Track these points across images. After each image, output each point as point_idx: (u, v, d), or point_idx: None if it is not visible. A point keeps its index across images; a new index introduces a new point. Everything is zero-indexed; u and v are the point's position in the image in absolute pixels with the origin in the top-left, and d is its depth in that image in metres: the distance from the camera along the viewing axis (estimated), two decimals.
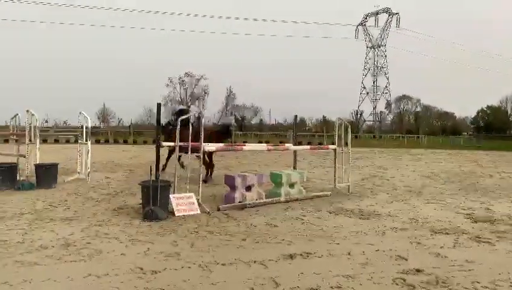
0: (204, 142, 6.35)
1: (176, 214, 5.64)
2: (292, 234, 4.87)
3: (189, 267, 3.66)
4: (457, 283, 3.38)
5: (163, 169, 10.43)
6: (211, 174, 9.68)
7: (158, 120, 6.34)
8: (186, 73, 71.58)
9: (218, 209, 6.07)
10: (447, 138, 52.55)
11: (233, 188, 6.53)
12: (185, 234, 4.76)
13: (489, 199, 7.81)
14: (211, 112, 77.74)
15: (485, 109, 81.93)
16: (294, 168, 8.62)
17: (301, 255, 4.05)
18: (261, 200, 6.70)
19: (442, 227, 5.39)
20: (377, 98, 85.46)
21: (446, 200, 7.54)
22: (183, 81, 71.60)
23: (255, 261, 3.81)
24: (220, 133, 9.57)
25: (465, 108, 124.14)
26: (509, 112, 79.75)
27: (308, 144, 28.08)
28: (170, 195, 5.82)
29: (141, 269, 3.57)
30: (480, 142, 43.28)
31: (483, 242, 4.69)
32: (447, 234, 5.06)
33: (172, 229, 4.96)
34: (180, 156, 12.12)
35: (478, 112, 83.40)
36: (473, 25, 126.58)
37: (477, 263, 3.90)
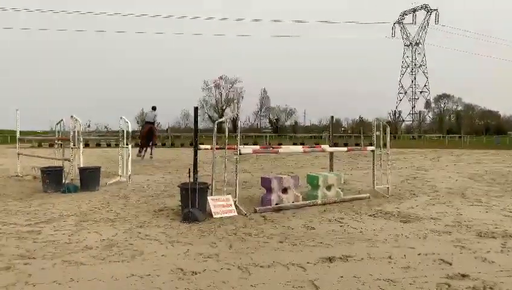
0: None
1: (214, 215, 5.72)
2: (330, 237, 4.81)
3: (228, 268, 3.70)
4: (507, 289, 3.23)
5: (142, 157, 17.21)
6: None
7: (196, 123, 6.46)
8: (221, 76, 72.60)
9: (255, 211, 6.10)
10: (491, 138, 50.27)
11: (269, 190, 6.54)
12: (223, 236, 4.82)
13: None
14: (246, 114, 78.39)
15: None
16: (331, 170, 8.52)
17: (340, 258, 4.00)
18: (298, 203, 6.67)
19: (488, 230, 5.16)
20: (416, 97, 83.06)
21: (491, 203, 7.21)
22: (218, 84, 72.63)
23: (293, 264, 3.80)
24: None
25: (510, 106, 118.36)
26: None
27: (345, 145, 27.71)
28: (208, 197, 5.90)
29: (181, 269, 3.65)
30: None
31: None
32: (494, 237, 4.84)
33: (211, 231, 5.03)
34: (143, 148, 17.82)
35: None
36: None
37: None
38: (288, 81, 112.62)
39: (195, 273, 3.54)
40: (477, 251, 4.27)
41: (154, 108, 17.94)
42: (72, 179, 8.52)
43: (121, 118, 9.99)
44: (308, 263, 3.85)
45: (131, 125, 10.67)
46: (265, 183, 6.63)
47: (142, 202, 7.02)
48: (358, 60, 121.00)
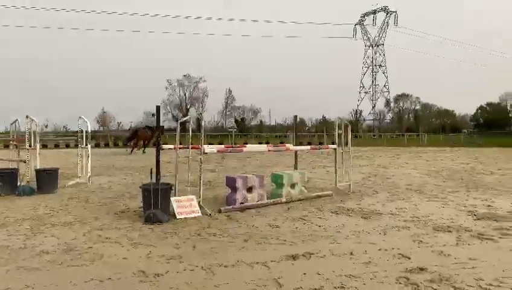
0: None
1: (178, 216, 5.63)
2: (294, 235, 4.86)
3: (191, 269, 3.65)
4: (462, 280, 3.37)
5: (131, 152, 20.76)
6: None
7: (158, 122, 6.34)
8: (185, 75, 71.76)
9: (220, 211, 6.06)
10: (447, 136, 52.50)
11: (234, 189, 6.52)
12: (186, 237, 4.76)
13: (491, 195, 7.80)
14: (211, 114, 77.94)
15: (485, 106, 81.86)
16: (295, 168, 8.61)
17: (304, 255, 4.04)
18: (263, 201, 6.69)
19: (444, 225, 5.38)
20: (376, 97, 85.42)
21: (448, 198, 7.52)
22: (182, 83, 71.79)
23: (257, 263, 3.80)
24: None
25: (464, 105, 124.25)
26: (508, 108, 79.68)
27: (309, 144, 28.10)
28: (171, 198, 5.81)
29: (143, 272, 3.57)
30: (481, 139, 43.26)
31: (486, 239, 4.68)
32: (450, 231, 5.05)
33: (174, 232, 4.96)
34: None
35: (478, 109, 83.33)
36: (471, 23, 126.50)
37: (480, 261, 3.89)
38: (253, 80, 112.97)
39: (158, 276, 3.47)
40: (434, 245, 4.44)
41: (153, 115, 21.72)
42: (28, 181, 8.15)
43: (80, 117, 9.66)
44: (272, 261, 3.86)
45: (91, 125, 10.33)
46: (230, 182, 6.61)
47: (102, 204, 6.81)
48: (323, 60, 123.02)
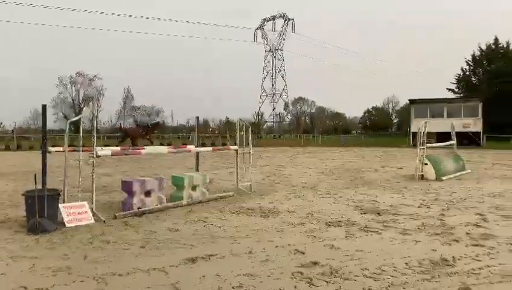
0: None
1: (67, 225, 5.19)
2: (194, 237, 4.80)
3: (81, 281, 3.39)
4: (349, 271, 3.64)
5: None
6: None
7: (44, 123, 5.79)
8: (77, 72, 66.81)
9: (115, 217, 5.73)
10: (338, 137, 56.74)
11: (131, 194, 6.22)
12: (77, 246, 4.41)
13: (375, 191, 8.60)
14: (108, 114, 73.79)
15: (371, 110, 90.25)
16: (197, 170, 8.54)
17: (203, 257, 4.01)
18: (162, 205, 6.50)
19: (335, 220, 5.78)
20: (276, 100, 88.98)
21: (338, 194, 8.11)
22: (74, 81, 66.78)
23: (154, 269, 3.67)
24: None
25: (354, 109, 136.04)
26: (390, 112, 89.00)
27: (212, 145, 28.14)
28: (59, 205, 5.34)
29: (25, 287, 3.21)
30: (368, 139, 47.66)
31: (371, 232, 5.13)
32: (340, 226, 5.43)
33: (63, 242, 4.56)
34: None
35: (365, 112, 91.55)
36: (359, 32, 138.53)
37: (366, 252, 4.24)
38: (155, 81, 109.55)
39: None
40: (326, 239, 4.74)
41: (149, 115, 24.49)
42: None
43: None
44: (170, 266, 3.76)
45: None
46: (126, 187, 6.30)
47: None
48: (227, 62, 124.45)
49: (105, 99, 67.58)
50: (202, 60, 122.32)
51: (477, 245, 4.48)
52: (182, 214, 6.14)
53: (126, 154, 7.50)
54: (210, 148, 9.67)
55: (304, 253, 4.18)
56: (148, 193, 6.43)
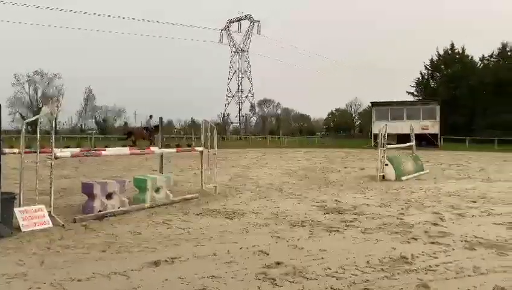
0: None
1: (23, 229, 4.97)
2: (157, 240, 4.72)
3: (38, 287, 3.25)
4: (313, 271, 3.69)
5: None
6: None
7: None
8: (36, 71, 64.22)
9: (75, 221, 5.54)
10: (303, 138, 57.57)
11: (91, 196, 6.04)
12: (33, 251, 4.23)
13: (337, 191, 8.77)
14: (69, 114, 71.38)
15: (334, 112, 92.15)
16: (161, 172, 8.41)
17: (166, 261, 3.94)
18: (124, 208, 6.35)
19: (299, 220, 5.85)
20: (242, 101, 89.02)
21: (303, 195, 8.21)
22: (32, 80, 64.13)
23: (115, 273, 3.57)
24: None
25: (318, 111, 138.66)
26: (353, 114, 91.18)
27: (176, 146, 27.76)
28: (15, 209, 5.10)
29: None
30: (331, 141, 48.62)
31: (334, 231, 5.22)
32: (304, 226, 5.50)
33: (18, 247, 4.36)
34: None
35: (329, 114, 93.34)
36: (329, 34, 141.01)
37: (328, 251, 4.32)
38: (117, 80, 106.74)
39: None
40: (290, 240, 4.78)
41: (151, 116, 26.00)
42: None
43: None
44: (132, 270, 3.68)
45: None
46: (87, 189, 6.11)
47: None
48: (192, 62, 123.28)
49: (65, 99, 65.41)
50: (167, 60, 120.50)
51: (434, 243, 4.66)
52: (145, 217, 6.03)
53: (86, 156, 7.27)
54: (174, 150, 9.53)
55: (268, 254, 4.20)
56: (109, 196, 6.26)
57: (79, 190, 7.17)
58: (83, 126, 70.10)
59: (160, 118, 9.19)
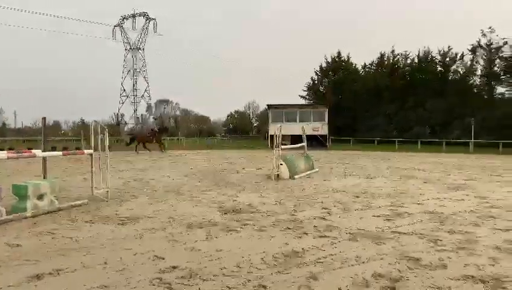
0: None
1: None
2: (40, 252, 4.31)
3: None
4: (209, 272, 3.71)
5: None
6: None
7: None
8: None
9: None
10: (203, 139, 57.41)
11: None
12: None
13: (235, 191, 8.95)
14: None
15: (233, 114, 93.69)
16: (45, 177, 7.69)
17: (50, 273, 3.63)
18: (1, 218, 5.67)
19: (197, 222, 5.83)
20: (137, 101, 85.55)
21: (201, 196, 8.21)
22: None
23: None
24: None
25: (217, 112, 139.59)
26: (251, 116, 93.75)
27: (64, 149, 25.62)
28: None
29: None
30: (231, 142, 49.33)
31: (231, 231, 5.32)
32: (201, 227, 5.50)
33: None
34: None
35: (228, 116, 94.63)
36: (229, 35, 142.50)
37: (225, 251, 4.39)
38: None
39: None
40: (187, 242, 4.75)
41: (155, 119, 23.21)
42: None
43: None
44: (9, 286, 3.32)
45: None
46: None
47: None
48: (82, 60, 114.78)
49: None
50: (54, 57, 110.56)
51: (322, 237, 5.03)
52: (26, 227, 5.46)
53: None
54: (60, 153, 8.79)
55: (164, 258, 4.12)
56: None
57: None
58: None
59: (44, 118, 8.39)
